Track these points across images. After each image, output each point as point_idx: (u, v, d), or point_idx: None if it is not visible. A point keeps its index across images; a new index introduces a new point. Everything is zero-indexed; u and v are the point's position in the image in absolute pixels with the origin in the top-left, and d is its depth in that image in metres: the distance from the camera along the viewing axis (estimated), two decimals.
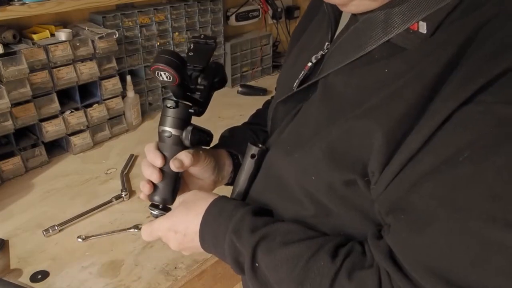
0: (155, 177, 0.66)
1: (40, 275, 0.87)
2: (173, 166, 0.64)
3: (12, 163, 1.19)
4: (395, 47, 0.47)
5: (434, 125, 0.41)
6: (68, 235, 0.98)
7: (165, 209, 0.69)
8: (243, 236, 0.55)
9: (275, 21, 2.03)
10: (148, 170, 0.66)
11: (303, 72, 0.61)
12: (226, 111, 1.61)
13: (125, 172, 1.22)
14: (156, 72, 0.58)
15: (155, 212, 0.68)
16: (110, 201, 1.09)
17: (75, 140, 1.32)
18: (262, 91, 1.80)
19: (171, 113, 0.64)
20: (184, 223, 0.61)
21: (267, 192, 0.61)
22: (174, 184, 0.67)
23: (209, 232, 0.59)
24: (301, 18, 0.74)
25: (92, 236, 0.98)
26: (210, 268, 0.93)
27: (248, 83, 1.88)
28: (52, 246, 0.95)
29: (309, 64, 0.60)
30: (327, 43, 0.59)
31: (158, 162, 0.65)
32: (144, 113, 1.57)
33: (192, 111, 0.65)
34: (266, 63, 2.00)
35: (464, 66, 0.40)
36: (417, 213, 0.43)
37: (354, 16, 0.54)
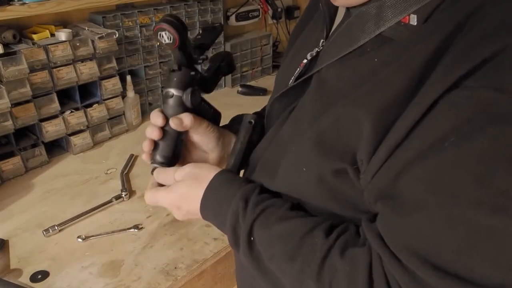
0: (155, 134, 0.66)
1: (40, 275, 0.87)
2: (173, 123, 0.64)
3: (12, 163, 1.19)
4: (387, 39, 0.47)
5: (420, 111, 0.41)
6: (68, 235, 0.99)
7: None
8: (248, 206, 0.56)
9: (275, 21, 2.03)
10: (150, 129, 0.67)
11: (298, 69, 0.62)
12: (226, 111, 1.59)
13: (125, 172, 1.22)
14: (158, 33, 0.61)
15: (157, 166, 0.68)
16: (110, 201, 1.09)
17: (75, 140, 1.32)
18: (262, 91, 1.80)
19: (173, 75, 0.66)
20: (187, 202, 0.62)
21: (260, 179, 0.62)
22: (175, 145, 0.67)
23: (213, 198, 0.59)
24: (298, 21, 0.74)
25: (92, 236, 0.98)
26: (210, 268, 0.93)
27: (248, 83, 1.88)
28: (52, 246, 0.95)
29: (304, 61, 0.61)
30: (322, 40, 0.60)
31: (159, 121, 0.66)
32: (144, 113, 1.57)
33: (193, 73, 0.66)
34: (266, 63, 2.00)
35: (452, 53, 0.41)
36: (404, 198, 0.43)
37: (347, 12, 0.55)
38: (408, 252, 0.43)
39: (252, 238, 0.55)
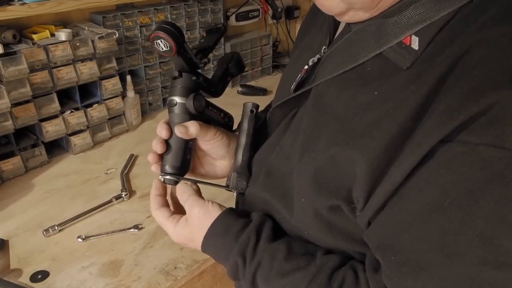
0: (159, 148, 0.65)
1: (40, 275, 0.87)
2: (178, 131, 0.63)
3: (12, 163, 1.19)
4: (386, 61, 0.46)
5: (415, 160, 0.41)
6: (68, 235, 0.99)
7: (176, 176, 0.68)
8: (246, 263, 0.56)
9: (275, 21, 2.03)
10: (154, 142, 0.66)
11: (300, 75, 0.61)
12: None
13: (125, 172, 1.22)
14: (155, 42, 0.60)
15: (167, 177, 0.67)
16: (110, 201, 1.09)
17: (75, 140, 1.32)
18: (262, 91, 1.80)
19: (175, 82, 0.65)
20: (194, 244, 0.62)
21: (265, 191, 0.61)
22: (183, 154, 0.66)
23: (211, 247, 0.60)
24: (308, 12, 0.73)
25: (92, 236, 0.98)
26: (210, 268, 0.93)
27: (248, 83, 1.88)
28: (52, 246, 0.95)
29: (306, 67, 0.60)
30: (324, 47, 0.59)
31: (163, 133, 0.65)
32: (144, 113, 1.57)
33: (195, 78, 0.65)
34: (266, 63, 2.00)
35: (444, 99, 0.40)
36: (408, 256, 0.43)
37: (348, 25, 0.54)
38: None
39: None
